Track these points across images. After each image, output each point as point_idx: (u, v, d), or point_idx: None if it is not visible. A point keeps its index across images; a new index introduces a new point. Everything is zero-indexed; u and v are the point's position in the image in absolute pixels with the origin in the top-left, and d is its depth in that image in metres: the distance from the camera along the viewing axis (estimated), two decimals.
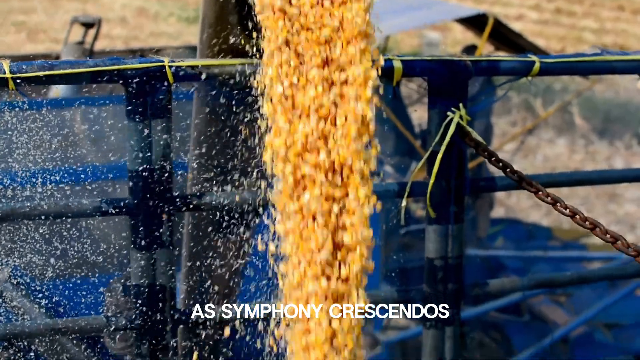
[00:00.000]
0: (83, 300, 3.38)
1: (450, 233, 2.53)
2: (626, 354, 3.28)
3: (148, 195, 2.33)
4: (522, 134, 8.27)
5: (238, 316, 2.45)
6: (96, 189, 3.66)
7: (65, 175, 3.57)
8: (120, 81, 2.28)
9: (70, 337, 3.26)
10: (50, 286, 3.25)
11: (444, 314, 2.57)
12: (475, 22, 6.92)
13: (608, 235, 2.30)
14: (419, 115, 6.68)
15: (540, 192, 2.39)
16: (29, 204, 2.33)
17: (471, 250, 5.37)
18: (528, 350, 4.82)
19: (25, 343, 3.08)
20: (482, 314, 4.99)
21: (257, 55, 2.19)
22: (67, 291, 3.38)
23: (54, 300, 3.19)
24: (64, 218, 2.44)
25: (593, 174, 3.29)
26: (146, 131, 2.31)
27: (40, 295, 3.14)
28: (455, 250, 2.54)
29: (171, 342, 2.43)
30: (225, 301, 2.73)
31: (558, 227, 7.43)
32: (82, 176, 3.63)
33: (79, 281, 3.54)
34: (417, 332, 4.40)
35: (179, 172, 2.53)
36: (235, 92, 2.43)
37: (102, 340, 3.42)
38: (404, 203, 2.42)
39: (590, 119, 11.49)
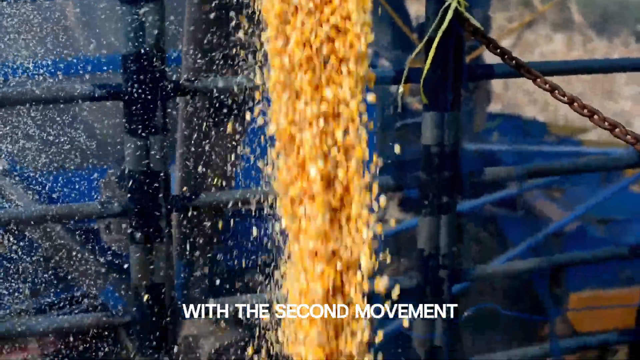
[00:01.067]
0: (78, 189, 3.36)
1: (446, 120, 2.51)
2: (619, 248, 3.31)
3: (141, 80, 2.29)
4: (520, 29, 8.18)
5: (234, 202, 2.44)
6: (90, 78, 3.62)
7: (59, 65, 3.53)
8: None
9: (66, 229, 3.27)
10: (46, 177, 3.24)
11: (439, 201, 2.57)
12: None
13: (606, 123, 2.28)
14: (416, 8, 6.58)
15: (538, 79, 2.36)
16: (21, 89, 2.30)
17: (467, 144, 5.36)
18: (522, 244, 4.84)
19: (21, 232, 3.08)
20: (476, 207, 5.00)
21: None
22: (63, 182, 3.36)
23: (48, 189, 3.18)
24: (57, 104, 2.41)
25: (591, 62, 3.26)
26: (139, 16, 2.27)
27: (35, 186, 3.13)
28: (452, 138, 2.52)
29: (166, 229, 2.42)
30: (221, 187, 2.72)
31: (554, 123, 7.40)
32: (75, 63, 3.59)
33: (75, 172, 3.52)
34: (413, 224, 4.41)
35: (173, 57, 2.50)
36: None
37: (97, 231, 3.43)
38: (400, 89, 2.39)
39: (589, 14, 11.36)
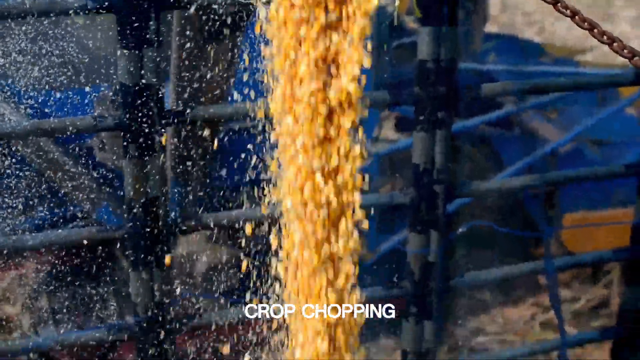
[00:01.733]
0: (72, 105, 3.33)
1: (443, 35, 2.48)
2: (614, 166, 3.31)
3: None
4: None
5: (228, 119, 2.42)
6: None
7: None
8: None
9: (59, 145, 3.25)
10: (38, 92, 3.21)
11: (435, 116, 2.55)
12: None
13: (605, 37, 2.26)
14: None
15: None
16: (11, 2, 2.26)
17: (463, 64, 5.32)
18: (517, 164, 4.84)
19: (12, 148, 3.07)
20: (472, 127, 4.98)
21: None
22: (56, 98, 3.33)
23: (41, 105, 3.16)
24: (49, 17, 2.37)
25: None
26: None
27: (27, 101, 3.10)
28: (448, 53, 2.50)
29: (159, 143, 2.40)
30: (216, 102, 2.70)
31: (550, 44, 7.35)
32: None
33: (68, 89, 3.49)
34: (407, 144, 4.40)
35: None
36: None
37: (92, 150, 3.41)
38: (397, 2, 2.36)
39: None
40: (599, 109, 5.47)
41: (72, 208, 3.43)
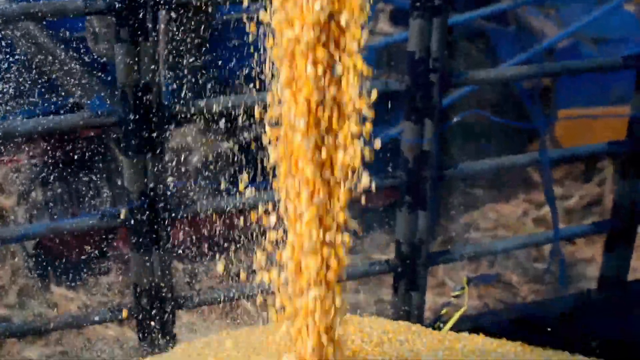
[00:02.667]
0: None
1: None
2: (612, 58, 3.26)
3: None
4: None
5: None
6: None
7: None
8: None
9: (48, 33, 3.20)
10: None
11: (431, 3, 2.51)
12: None
13: None
14: None
15: None
16: None
17: None
18: (514, 58, 4.81)
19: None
20: (468, 21, 4.93)
21: None
22: None
23: None
24: None
25: None
26: None
27: None
28: None
29: (152, 28, 2.36)
30: None
31: None
32: None
33: None
34: (403, 37, 4.36)
35: None
36: None
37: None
38: None
39: None
40: (597, 5, 5.42)
41: (63, 95, 3.39)
